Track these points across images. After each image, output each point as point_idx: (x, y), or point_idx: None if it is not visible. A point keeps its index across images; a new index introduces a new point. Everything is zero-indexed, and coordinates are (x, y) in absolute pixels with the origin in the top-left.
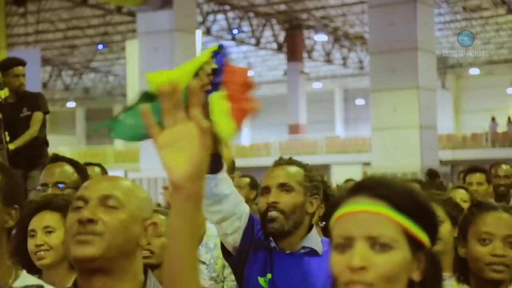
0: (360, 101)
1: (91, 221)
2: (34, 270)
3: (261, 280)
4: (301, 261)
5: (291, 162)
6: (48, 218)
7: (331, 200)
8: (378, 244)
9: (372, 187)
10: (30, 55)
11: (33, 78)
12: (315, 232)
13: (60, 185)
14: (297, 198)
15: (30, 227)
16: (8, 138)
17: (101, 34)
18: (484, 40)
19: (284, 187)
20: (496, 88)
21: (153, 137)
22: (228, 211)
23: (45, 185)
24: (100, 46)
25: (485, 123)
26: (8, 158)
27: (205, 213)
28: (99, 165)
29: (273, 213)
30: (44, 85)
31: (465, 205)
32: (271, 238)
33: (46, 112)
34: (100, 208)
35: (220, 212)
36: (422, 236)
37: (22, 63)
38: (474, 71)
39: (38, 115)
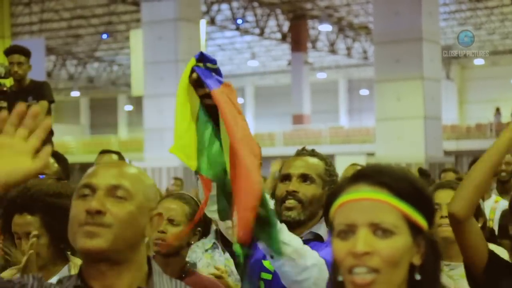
0: (364, 92)
1: (99, 212)
2: None
3: (266, 263)
4: (308, 246)
5: (313, 153)
6: (29, 223)
7: (331, 189)
8: (380, 230)
9: (373, 175)
10: (35, 44)
11: (37, 67)
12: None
13: (41, 176)
14: (316, 190)
15: (13, 229)
16: None
17: (106, 24)
18: (489, 31)
19: (306, 177)
20: (501, 78)
21: None
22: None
23: None
24: (104, 36)
25: (489, 114)
26: None
27: (208, 213)
28: (117, 153)
29: (291, 202)
30: (49, 74)
31: None
32: None
33: (51, 101)
34: (108, 199)
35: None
36: (421, 221)
37: (16, 51)
38: (478, 61)
39: (43, 104)
